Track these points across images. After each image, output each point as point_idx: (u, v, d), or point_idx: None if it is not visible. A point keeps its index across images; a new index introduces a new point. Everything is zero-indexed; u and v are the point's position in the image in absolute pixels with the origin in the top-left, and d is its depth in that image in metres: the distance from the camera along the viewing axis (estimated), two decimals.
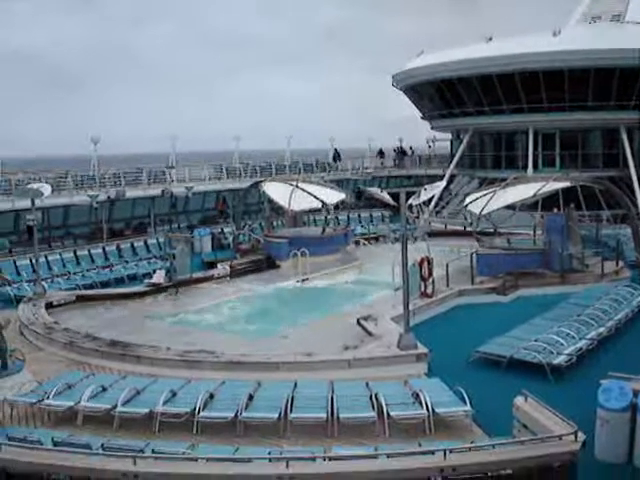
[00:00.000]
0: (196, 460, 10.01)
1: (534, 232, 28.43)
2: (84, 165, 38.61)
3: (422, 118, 51.78)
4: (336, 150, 50.72)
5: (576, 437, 9.69)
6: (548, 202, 30.44)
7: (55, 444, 10.56)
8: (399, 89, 49.95)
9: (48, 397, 13.52)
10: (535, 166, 41.67)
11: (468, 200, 29.66)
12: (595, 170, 39.70)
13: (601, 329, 17.90)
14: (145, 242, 32.65)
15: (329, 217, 36.05)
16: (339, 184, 41.04)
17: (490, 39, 43.61)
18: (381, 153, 53.49)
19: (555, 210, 27.82)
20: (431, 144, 57.69)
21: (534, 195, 27.70)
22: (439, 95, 46.49)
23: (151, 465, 9.70)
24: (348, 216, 39.10)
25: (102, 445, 10.59)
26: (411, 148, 55.48)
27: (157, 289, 24.20)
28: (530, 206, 31.53)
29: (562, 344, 16.42)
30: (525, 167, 41.56)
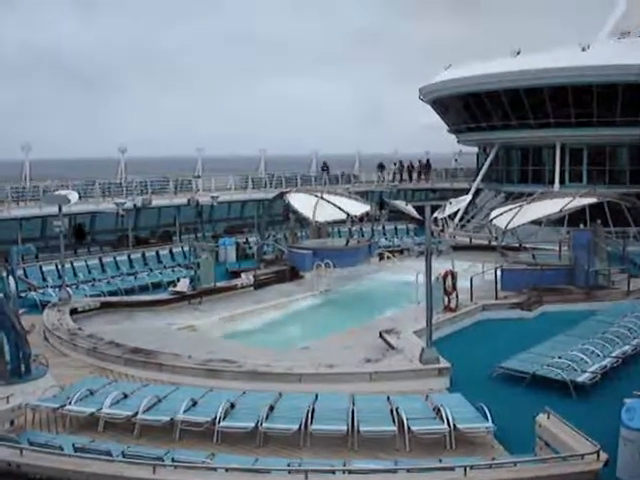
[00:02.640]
0: (215, 470, 10.04)
1: (560, 248, 28.23)
2: (110, 168, 39.03)
3: (448, 131, 51.71)
4: (325, 163, 50.38)
5: (598, 456, 9.61)
6: (574, 218, 30.23)
7: (76, 450, 10.62)
8: (426, 102, 50.00)
9: (70, 403, 13.60)
10: (562, 181, 41.43)
11: (494, 214, 29.56)
12: (622, 186, 39.35)
13: (626, 347, 17.67)
14: (170, 250, 32.80)
15: (353, 229, 36.06)
16: (364, 196, 41.09)
17: (518, 53, 43.53)
18: (381, 166, 52.45)
19: (581, 226, 27.63)
20: (457, 157, 57.64)
21: (560, 210, 27.56)
22: (466, 109, 46.46)
23: (170, 473, 9.75)
24: (372, 228, 39.06)
25: (122, 452, 10.63)
26: (423, 161, 54.80)
27: (181, 297, 24.30)
28: (556, 221, 31.34)
29: (586, 362, 16.24)
30: (552, 182, 41.34)
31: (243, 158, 46.38)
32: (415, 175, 53.07)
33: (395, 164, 52.95)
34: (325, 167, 49.64)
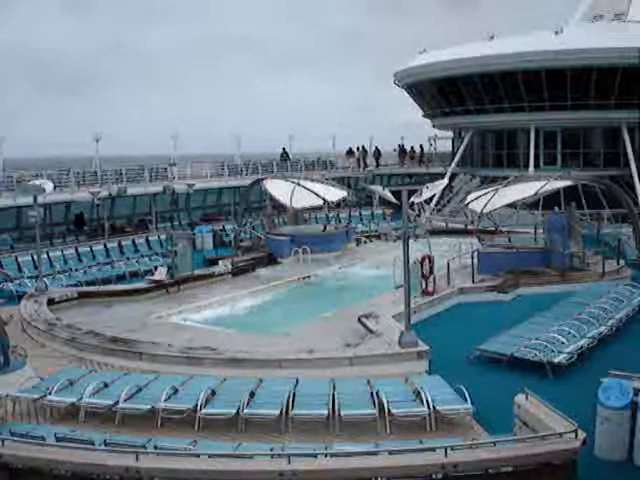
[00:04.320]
0: (198, 456, 10.07)
1: (535, 231, 28.46)
2: (88, 165, 38.75)
3: (423, 116, 51.82)
4: (284, 149, 50.14)
5: (576, 435, 9.74)
6: (549, 201, 30.46)
7: (58, 439, 10.59)
8: (401, 87, 50.07)
9: (50, 393, 13.55)
10: (536, 165, 41.78)
11: (469, 198, 29.70)
12: (596, 169, 39.80)
13: (602, 328, 17.91)
14: (146, 239, 32.68)
15: (330, 215, 36.11)
16: (340, 182, 41.11)
17: (492, 37, 43.68)
18: (350, 152, 52.45)
19: (556, 209, 27.85)
20: (432, 142, 57.78)
21: (535, 194, 27.72)
22: (441, 93, 46.62)
23: (153, 461, 9.75)
24: (349, 214, 39.13)
25: (104, 441, 10.62)
26: (412, 148, 54.98)
27: (158, 286, 24.23)
28: (531, 205, 31.59)
29: (563, 342, 16.44)
30: (526, 166, 41.69)
31: (223, 156, 46.19)
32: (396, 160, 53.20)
33: (358, 149, 52.68)
34: (285, 154, 49.46)
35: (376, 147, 53.39)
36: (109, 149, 41.60)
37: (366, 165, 51.53)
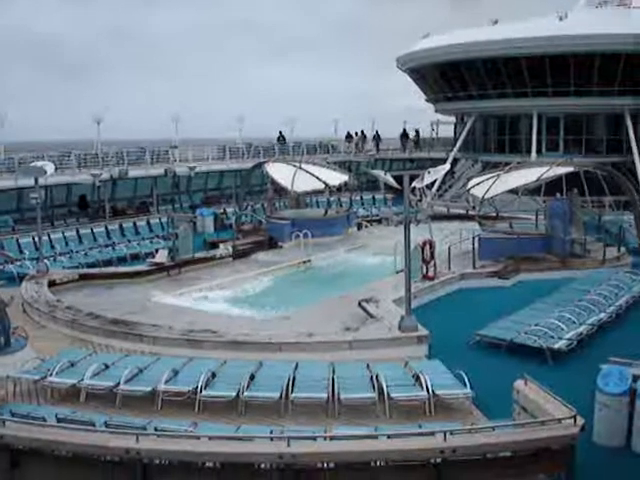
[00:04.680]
0: (198, 438, 10.11)
1: (536, 217, 28.43)
2: (89, 149, 38.66)
3: (426, 101, 51.62)
4: (281, 133, 49.98)
5: (575, 421, 9.77)
6: (551, 187, 30.40)
7: (59, 421, 10.64)
8: (404, 71, 49.88)
9: (51, 374, 13.61)
10: (539, 150, 41.67)
11: (471, 184, 29.64)
12: (599, 156, 39.71)
13: (602, 314, 17.94)
14: (148, 221, 32.66)
15: (331, 199, 36.08)
16: (342, 166, 41.04)
17: (496, 22, 43.46)
18: (349, 137, 52.28)
19: (558, 195, 27.81)
20: (434, 127, 57.53)
21: (537, 180, 27.67)
22: (443, 78, 46.42)
23: (153, 442, 9.80)
24: (350, 198, 39.07)
25: (105, 422, 10.68)
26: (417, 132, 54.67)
27: (159, 268, 24.25)
28: (533, 191, 31.51)
29: (562, 329, 16.47)
30: (529, 151, 41.58)
31: (224, 141, 46.07)
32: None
33: (357, 134, 52.48)
34: (281, 137, 49.34)
35: (376, 132, 53.25)
36: (111, 133, 41.52)
37: (364, 150, 51.40)
